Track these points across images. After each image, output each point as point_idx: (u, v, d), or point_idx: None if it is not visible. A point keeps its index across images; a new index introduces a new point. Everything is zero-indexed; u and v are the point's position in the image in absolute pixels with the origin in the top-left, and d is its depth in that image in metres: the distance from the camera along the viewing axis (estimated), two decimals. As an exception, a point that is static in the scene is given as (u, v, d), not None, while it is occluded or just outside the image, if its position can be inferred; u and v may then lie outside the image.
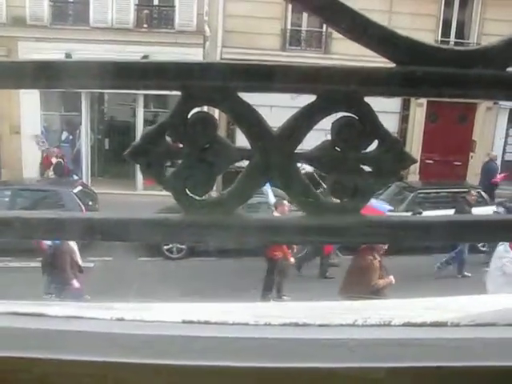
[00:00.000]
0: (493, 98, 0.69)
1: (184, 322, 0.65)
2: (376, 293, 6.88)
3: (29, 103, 16.74)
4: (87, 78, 0.59)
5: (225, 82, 0.59)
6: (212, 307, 0.79)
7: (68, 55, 16.58)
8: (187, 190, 0.62)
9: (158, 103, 19.54)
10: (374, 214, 0.70)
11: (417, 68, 0.62)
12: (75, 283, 8.53)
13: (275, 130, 0.62)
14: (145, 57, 17.06)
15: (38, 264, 8.91)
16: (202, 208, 0.62)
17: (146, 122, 18.87)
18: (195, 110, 0.61)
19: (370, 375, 0.57)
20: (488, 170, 15.25)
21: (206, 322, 0.65)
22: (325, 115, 0.62)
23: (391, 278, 7.22)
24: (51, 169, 15.46)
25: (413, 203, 13.12)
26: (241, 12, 17.80)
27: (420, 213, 11.27)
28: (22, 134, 17.03)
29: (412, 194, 13.58)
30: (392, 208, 9.90)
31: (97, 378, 0.57)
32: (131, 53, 16.37)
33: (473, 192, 12.11)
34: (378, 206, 9.66)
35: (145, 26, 17.08)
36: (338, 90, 0.61)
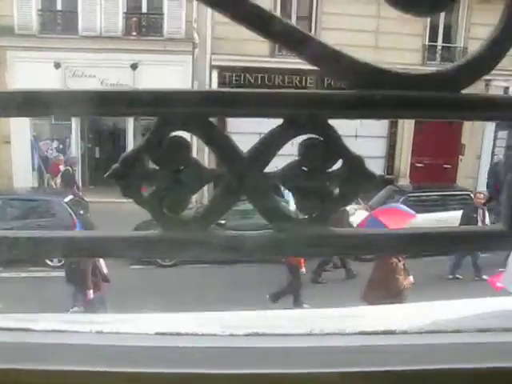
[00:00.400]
0: (446, 118, 0.72)
1: (157, 333, 0.69)
2: (400, 295, 6.96)
3: (18, 112, 16.65)
4: (69, 107, 0.63)
5: (197, 108, 0.64)
6: (184, 317, 0.84)
7: (57, 64, 16.59)
8: (164, 209, 0.67)
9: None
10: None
11: (376, 92, 0.67)
12: (90, 294, 8.45)
13: (245, 152, 0.67)
14: (134, 65, 17.13)
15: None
16: (178, 225, 0.67)
17: (137, 130, 18.86)
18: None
19: (323, 380, 0.61)
20: (495, 174, 15.24)
21: (177, 334, 0.70)
22: (291, 137, 0.67)
23: (411, 278, 7.32)
24: (59, 176, 15.35)
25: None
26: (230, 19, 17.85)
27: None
28: (12, 144, 16.96)
29: (403, 198, 13.69)
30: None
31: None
32: (121, 61, 16.41)
33: (479, 195, 12.18)
34: (408, 210, 9.79)
35: (134, 33, 17.11)
36: (302, 113, 0.66)
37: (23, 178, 15.69)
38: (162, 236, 0.67)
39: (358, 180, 0.69)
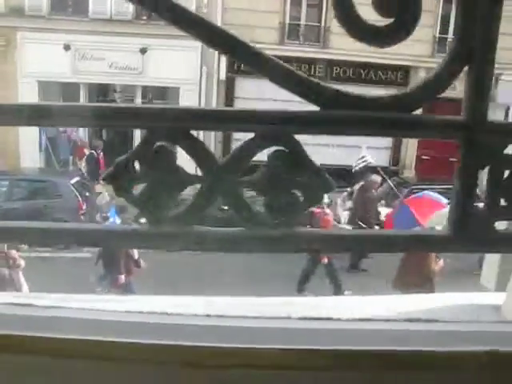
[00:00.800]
0: (396, 136, 0.79)
1: (149, 312, 0.81)
2: (431, 280, 7.08)
3: (27, 92, 16.74)
4: (72, 119, 0.74)
5: (181, 123, 0.75)
6: (172, 300, 0.96)
7: (66, 46, 16.66)
8: (151, 207, 0.78)
9: (157, 95, 19.59)
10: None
11: (338, 112, 0.77)
12: (121, 278, 8.74)
13: (221, 160, 0.78)
14: (143, 49, 17.19)
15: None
16: (162, 222, 0.78)
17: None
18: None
19: (291, 356, 0.72)
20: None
21: (165, 313, 0.82)
22: (262, 149, 0.78)
23: (441, 262, 7.44)
24: (83, 160, 15.35)
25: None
26: (240, 5, 17.83)
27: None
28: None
29: (407, 190, 13.74)
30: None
31: (78, 352, 0.73)
32: (130, 45, 16.45)
33: None
34: (439, 198, 9.82)
35: (144, 17, 17.12)
36: (271, 129, 0.76)
37: (30, 158, 15.81)
38: (148, 230, 0.78)
39: (319, 187, 0.80)
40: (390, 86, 16.90)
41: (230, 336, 0.74)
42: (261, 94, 16.97)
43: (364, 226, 11.93)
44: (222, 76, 18.60)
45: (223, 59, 18.94)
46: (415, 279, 6.80)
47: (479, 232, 0.84)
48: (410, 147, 18.65)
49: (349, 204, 12.66)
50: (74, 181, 13.68)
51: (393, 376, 0.69)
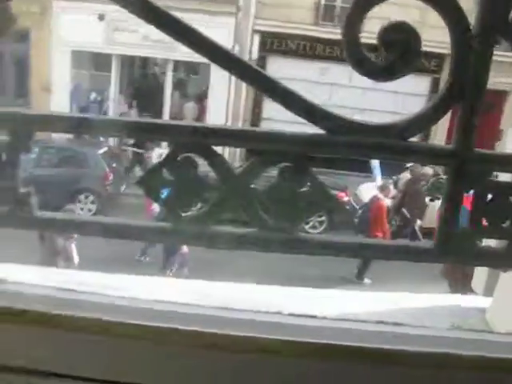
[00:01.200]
0: (392, 160, 0.87)
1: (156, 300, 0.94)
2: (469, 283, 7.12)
3: (60, 60, 16.96)
4: (106, 130, 0.87)
5: (203, 139, 0.87)
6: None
7: (101, 16, 16.82)
8: (175, 209, 0.91)
9: (188, 68, 19.68)
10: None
11: (340, 137, 0.89)
12: (184, 248, 9.32)
13: (237, 169, 0.90)
14: (176, 23, 17.22)
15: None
16: (184, 221, 0.91)
17: (175, 86, 18.99)
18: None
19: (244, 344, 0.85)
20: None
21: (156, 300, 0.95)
22: (274, 165, 0.90)
23: None
24: None
25: (433, 188, 13.28)
26: (275, -16, 17.76)
27: (438, 198, 11.51)
28: (52, 91, 17.30)
29: (433, 180, 13.71)
30: None
31: (96, 329, 0.87)
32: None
33: None
34: None
35: (179, -8, 17.13)
36: (282, 149, 0.89)
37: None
38: (173, 228, 0.92)
39: (322, 198, 0.92)
40: (423, 74, 16.73)
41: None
42: (292, 75, 16.98)
43: (409, 216, 11.94)
44: (254, 55, 18.60)
45: (256, 38, 18.92)
46: (464, 270, 6.81)
47: (462, 247, 0.95)
48: (439, 138, 18.51)
49: (393, 192, 12.60)
50: (101, 151, 13.91)
51: (360, 368, 0.82)
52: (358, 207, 12.67)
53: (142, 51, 17.90)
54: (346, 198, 13.10)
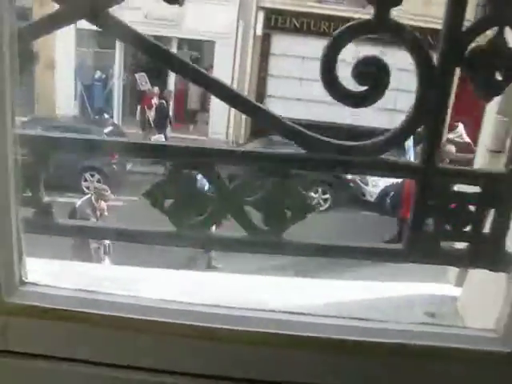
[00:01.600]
0: (369, 175, 0.99)
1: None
2: None
3: (64, 37, 16.91)
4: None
5: (202, 158, 1.02)
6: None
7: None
8: (177, 217, 1.06)
9: (191, 46, 19.62)
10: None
11: (324, 155, 1.03)
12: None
13: (230, 185, 1.04)
14: (180, 0, 17.15)
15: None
16: (186, 228, 1.06)
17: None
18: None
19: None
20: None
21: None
22: (261, 179, 1.04)
23: None
24: (152, 110, 15.39)
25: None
26: (279, -41, 17.61)
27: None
28: (56, 69, 17.27)
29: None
30: None
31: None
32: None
33: None
34: None
35: (182, -32, 16.96)
36: (271, 165, 1.03)
37: (65, 105, 16.12)
38: (177, 233, 1.06)
39: (303, 208, 1.06)
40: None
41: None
42: (296, 52, 16.93)
43: None
44: (259, 31, 18.52)
45: (261, 14, 18.81)
46: None
47: (427, 249, 1.09)
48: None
49: None
50: (107, 130, 13.96)
51: (330, 357, 0.98)
52: (368, 187, 12.77)
53: (145, 29, 17.83)
54: (349, 176, 13.22)
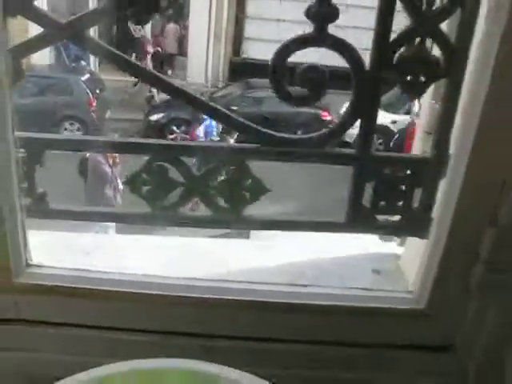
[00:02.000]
0: (314, 163, 1.14)
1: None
2: None
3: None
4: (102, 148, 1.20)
5: (173, 153, 1.20)
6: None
7: None
8: (153, 200, 1.25)
9: None
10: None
11: (266, 148, 1.22)
12: None
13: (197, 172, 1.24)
14: None
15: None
16: (159, 209, 1.26)
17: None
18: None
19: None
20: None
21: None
22: (224, 169, 1.23)
23: None
24: (149, 58, 15.06)
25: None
26: None
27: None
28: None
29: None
30: None
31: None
32: None
33: None
34: None
35: None
36: (231, 156, 1.22)
37: (40, 54, 15.73)
38: (152, 214, 1.26)
39: (259, 190, 1.26)
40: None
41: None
42: (270, 14, 16.64)
43: None
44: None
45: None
46: None
47: (366, 222, 1.30)
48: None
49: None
50: (84, 78, 13.78)
51: (277, 317, 1.22)
52: None
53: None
54: (328, 118, 13.18)
